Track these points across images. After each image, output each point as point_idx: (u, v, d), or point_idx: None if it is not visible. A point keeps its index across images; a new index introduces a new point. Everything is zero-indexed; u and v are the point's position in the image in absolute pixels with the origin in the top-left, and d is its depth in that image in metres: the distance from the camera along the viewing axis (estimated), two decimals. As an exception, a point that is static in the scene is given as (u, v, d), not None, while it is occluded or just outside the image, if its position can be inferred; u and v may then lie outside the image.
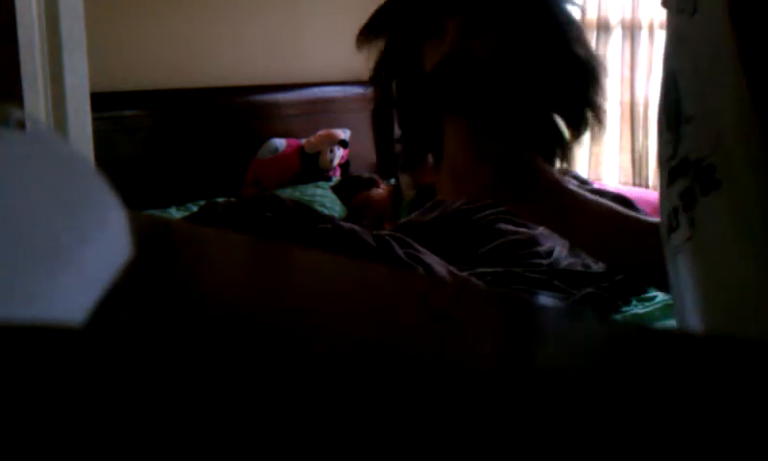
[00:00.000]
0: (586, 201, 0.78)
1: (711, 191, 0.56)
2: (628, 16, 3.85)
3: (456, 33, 0.71)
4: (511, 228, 2.64)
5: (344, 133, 3.56)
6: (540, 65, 0.72)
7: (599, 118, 0.75)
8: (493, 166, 0.72)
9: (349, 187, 3.23)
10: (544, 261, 2.49)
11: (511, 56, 0.71)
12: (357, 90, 3.88)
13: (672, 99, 0.60)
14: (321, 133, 3.53)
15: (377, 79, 0.80)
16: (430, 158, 0.79)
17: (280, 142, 3.49)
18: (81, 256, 0.32)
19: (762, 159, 0.54)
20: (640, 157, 3.78)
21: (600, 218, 0.78)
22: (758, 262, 0.55)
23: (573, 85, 0.74)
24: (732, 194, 0.56)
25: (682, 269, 0.61)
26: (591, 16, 3.84)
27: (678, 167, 0.59)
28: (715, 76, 0.56)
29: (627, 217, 0.79)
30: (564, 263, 2.52)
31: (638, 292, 2.32)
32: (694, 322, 0.60)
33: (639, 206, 2.91)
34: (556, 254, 2.57)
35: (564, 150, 0.76)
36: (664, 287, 0.69)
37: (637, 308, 2.20)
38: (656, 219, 0.74)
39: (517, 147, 0.73)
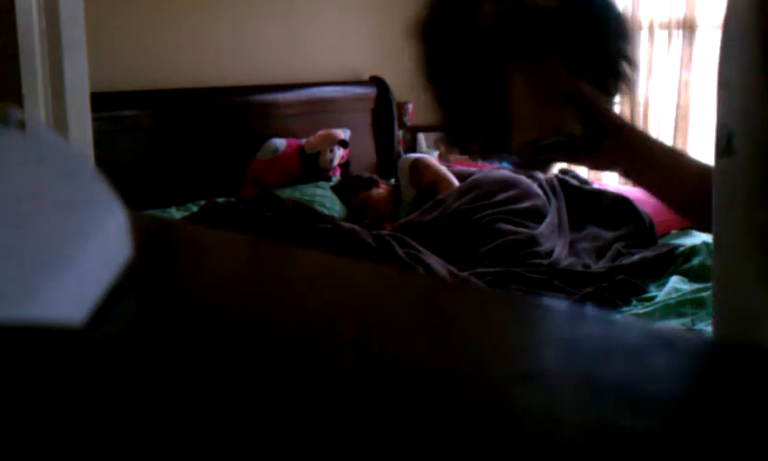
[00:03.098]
0: (655, 143, 0.78)
1: (725, 156, 0.58)
2: (628, 16, 3.85)
3: None
4: (511, 228, 2.64)
5: (344, 133, 3.56)
6: (587, 13, 0.73)
7: (633, 71, 0.75)
8: (565, 106, 0.72)
9: (349, 187, 3.23)
10: (544, 261, 2.49)
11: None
12: (357, 90, 3.88)
13: (720, 62, 0.62)
14: (321, 133, 3.53)
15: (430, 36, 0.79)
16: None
17: (280, 142, 3.49)
18: (81, 256, 0.32)
19: None
20: (640, 157, 3.78)
21: (670, 161, 0.77)
22: (748, 230, 0.56)
23: (611, 36, 0.75)
24: (740, 162, 0.57)
25: None
26: (592, 16, 3.84)
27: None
28: (746, 48, 0.57)
29: (690, 160, 0.78)
30: (563, 263, 2.52)
31: (638, 292, 2.32)
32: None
33: (639, 206, 2.91)
34: (556, 254, 2.57)
35: (610, 100, 0.77)
36: None
37: (637, 308, 2.20)
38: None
39: (590, 86, 0.73)
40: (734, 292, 0.59)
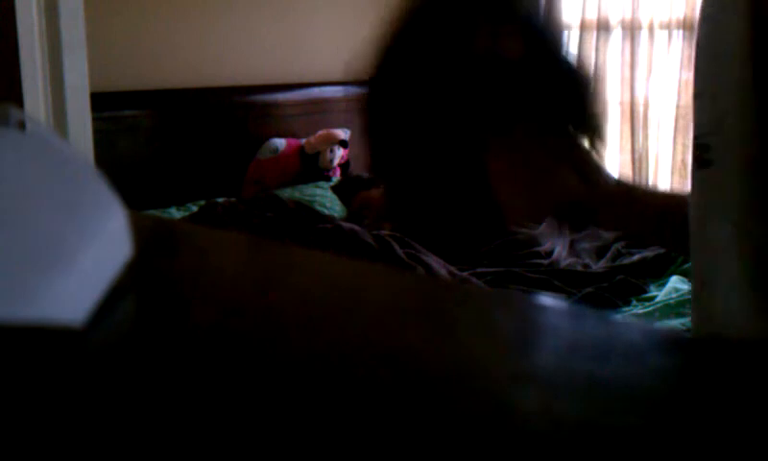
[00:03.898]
0: (642, 192, 0.76)
1: (703, 168, 0.58)
2: (628, 16, 3.84)
3: (486, 37, 0.68)
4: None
5: (344, 133, 3.57)
6: (553, 72, 0.70)
7: (600, 130, 0.72)
8: (566, 172, 0.69)
9: (349, 187, 3.22)
10: (544, 261, 2.49)
11: (537, 56, 0.68)
12: (357, 90, 3.88)
13: (694, 72, 0.61)
14: (321, 133, 3.53)
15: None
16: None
17: (280, 142, 3.49)
18: (81, 256, 0.32)
19: (752, 150, 0.55)
20: (640, 157, 3.78)
21: (656, 207, 0.75)
22: (734, 241, 0.56)
23: (575, 95, 0.72)
24: (719, 174, 0.57)
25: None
26: (591, 16, 3.84)
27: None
28: (725, 60, 0.56)
29: (680, 198, 0.76)
30: (563, 263, 2.52)
31: (638, 292, 2.32)
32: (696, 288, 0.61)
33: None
34: (556, 254, 2.57)
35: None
36: None
37: (637, 308, 2.20)
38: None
39: (585, 150, 0.70)
40: (712, 301, 0.58)
